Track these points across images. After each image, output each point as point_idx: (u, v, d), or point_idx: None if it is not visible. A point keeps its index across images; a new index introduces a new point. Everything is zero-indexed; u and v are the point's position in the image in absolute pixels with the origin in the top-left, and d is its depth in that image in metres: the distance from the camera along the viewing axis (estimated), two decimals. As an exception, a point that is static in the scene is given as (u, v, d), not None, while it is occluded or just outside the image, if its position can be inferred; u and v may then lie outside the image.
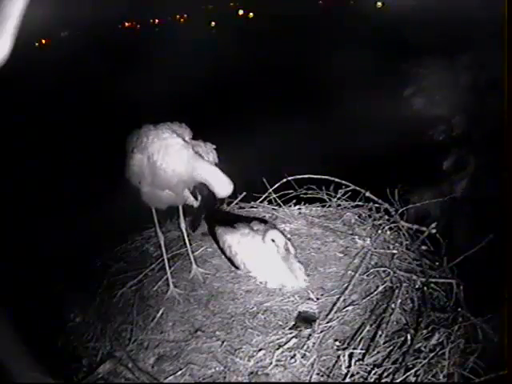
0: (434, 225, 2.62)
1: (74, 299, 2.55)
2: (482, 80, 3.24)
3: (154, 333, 2.28)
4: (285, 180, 3.19)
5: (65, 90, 7.59)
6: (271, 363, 1.99)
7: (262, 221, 2.80)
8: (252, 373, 1.97)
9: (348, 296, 2.33)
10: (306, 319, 2.22)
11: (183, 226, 2.64)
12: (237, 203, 3.31)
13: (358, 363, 1.90)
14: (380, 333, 2.03)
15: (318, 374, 1.93)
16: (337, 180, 3.11)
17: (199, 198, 2.27)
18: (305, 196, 3.20)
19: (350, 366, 1.90)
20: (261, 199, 3.29)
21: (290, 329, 2.18)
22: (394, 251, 2.65)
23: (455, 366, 1.88)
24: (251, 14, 18.49)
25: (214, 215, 2.29)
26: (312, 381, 1.90)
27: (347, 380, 1.86)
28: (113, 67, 8.85)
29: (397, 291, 2.29)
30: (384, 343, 2.00)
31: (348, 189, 3.11)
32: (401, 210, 2.86)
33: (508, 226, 1.80)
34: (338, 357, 1.96)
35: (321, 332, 2.11)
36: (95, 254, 2.92)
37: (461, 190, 3.07)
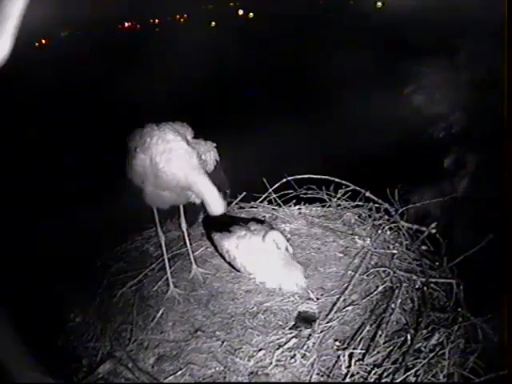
0: (433, 225, 2.62)
1: (74, 299, 2.55)
2: (482, 79, 3.23)
3: (154, 333, 2.28)
4: (285, 180, 3.19)
5: (65, 89, 7.58)
6: (271, 363, 1.99)
7: (259, 221, 2.79)
8: (252, 373, 1.98)
9: (348, 296, 2.33)
10: (305, 319, 2.22)
11: (184, 225, 2.64)
12: (237, 203, 3.31)
13: (358, 363, 1.91)
14: (380, 333, 2.04)
15: (318, 373, 1.93)
16: (337, 180, 3.11)
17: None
18: (305, 196, 3.19)
19: (350, 366, 1.91)
20: (261, 199, 3.28)
21: (290, 329, 2.18)
22: (394, 251, 2.65)
23: (455, 366, 1.88)
24: (251, 14, 18.44)
25: (211, 219, 2.28)
26: (312, 381, 1.90)
27: (347, 380, 1.86)
28: (113, 67, 8.84)
29: (397, 291, 2.29)
30: (384, 343, 2.00)
31: (348, 189, 3.11)
32: (401, 210, 2.87)
33: (508, 225, 1.79)
34: (338, 357, 1.97)
35: (321, 332, 2.12)
36: (95, 254, 2.91)
37: (462, 189, 3.07)
